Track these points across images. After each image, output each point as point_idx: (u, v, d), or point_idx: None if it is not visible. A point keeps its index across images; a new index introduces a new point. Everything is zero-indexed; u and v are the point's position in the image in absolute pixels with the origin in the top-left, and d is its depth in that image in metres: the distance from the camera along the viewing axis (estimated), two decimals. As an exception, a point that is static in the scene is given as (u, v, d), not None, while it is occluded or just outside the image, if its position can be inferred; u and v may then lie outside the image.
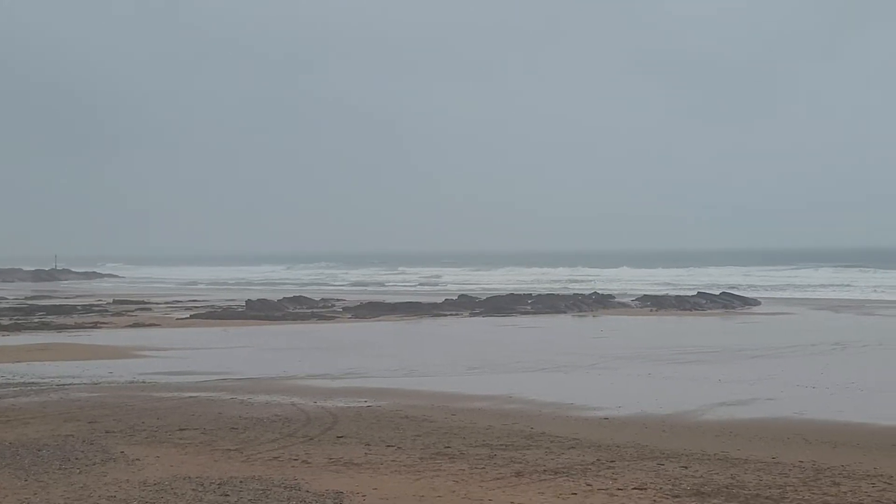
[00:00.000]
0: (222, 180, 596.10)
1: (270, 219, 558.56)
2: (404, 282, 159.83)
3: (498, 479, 20.25)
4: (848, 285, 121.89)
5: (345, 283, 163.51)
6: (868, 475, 20.69)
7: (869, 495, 18.70)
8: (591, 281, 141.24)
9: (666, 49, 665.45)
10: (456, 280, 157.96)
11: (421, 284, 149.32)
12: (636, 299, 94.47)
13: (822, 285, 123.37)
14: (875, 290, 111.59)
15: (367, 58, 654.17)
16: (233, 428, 26.83)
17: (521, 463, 21.92)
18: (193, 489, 19.06)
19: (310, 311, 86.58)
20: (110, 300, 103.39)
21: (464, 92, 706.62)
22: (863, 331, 62.16)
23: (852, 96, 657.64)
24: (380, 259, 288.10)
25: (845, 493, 18.90)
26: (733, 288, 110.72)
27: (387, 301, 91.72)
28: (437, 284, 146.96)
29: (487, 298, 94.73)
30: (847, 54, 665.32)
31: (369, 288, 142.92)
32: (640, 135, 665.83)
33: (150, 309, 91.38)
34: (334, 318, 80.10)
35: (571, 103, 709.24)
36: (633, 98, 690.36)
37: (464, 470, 21.11)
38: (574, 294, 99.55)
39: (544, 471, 21.05)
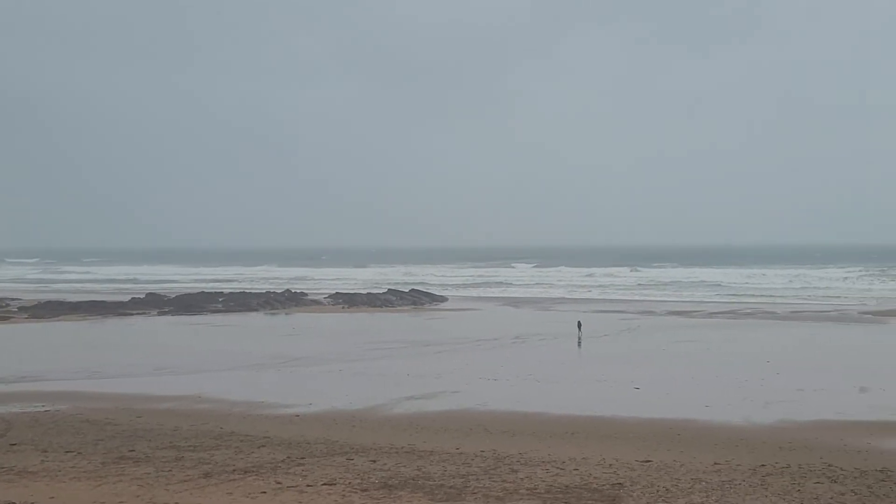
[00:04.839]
0: None
1: None
2: (85, 279, 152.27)
3: (185, 481, 19.79)
4: (512, 283, 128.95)
5: (20, 279, 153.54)
6: (543, 461, 22.03)
7: (543, 480, 19.91)
8: (283, 279, 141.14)
9: (383, 47, 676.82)
10: (143, 277, 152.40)
11: (109, 282, 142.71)
12: (329, 297, 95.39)
13: (510, 284, 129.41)
14: (538, 287, 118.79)
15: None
16: None
17: (209, 464, 21.54)
18: None
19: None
20: None
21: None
22: (540, 325, 66.03)
23: (568, 95, 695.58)
24: (49, 254, 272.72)
25: (522, 479, 20.02)
26: (424, 285, 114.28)
27: (68, 300, 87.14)
28: (125, 282, 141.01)
29: (177, 297, 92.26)
30: (560, 54, 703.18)
31: (49, 286, 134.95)
32: (351, 129, 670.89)
33: None
34: (9, 318, 75.14)
35: (277, 95, 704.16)
36: (347, 95, 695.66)
37: (149, 473, 20.49)
38: (267, 292, 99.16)
39: (234, 470, 20.81)
